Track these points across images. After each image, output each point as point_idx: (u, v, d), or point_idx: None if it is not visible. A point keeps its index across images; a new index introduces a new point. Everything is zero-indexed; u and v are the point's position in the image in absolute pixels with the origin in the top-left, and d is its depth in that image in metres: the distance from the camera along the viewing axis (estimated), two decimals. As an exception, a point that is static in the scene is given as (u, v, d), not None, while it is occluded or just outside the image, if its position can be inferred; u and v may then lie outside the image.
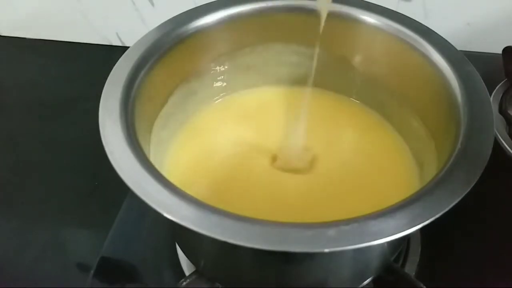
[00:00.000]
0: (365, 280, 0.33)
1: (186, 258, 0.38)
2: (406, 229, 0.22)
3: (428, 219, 0.22)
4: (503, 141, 0.43)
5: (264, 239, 0.22)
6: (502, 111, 0.46)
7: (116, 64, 0.31)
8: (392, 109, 0.38)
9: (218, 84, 0.40)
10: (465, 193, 0.23)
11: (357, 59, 0.39)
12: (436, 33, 0.34)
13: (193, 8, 0.36)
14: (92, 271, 0.38)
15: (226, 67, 0.39)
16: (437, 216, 0.23)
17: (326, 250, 0.22)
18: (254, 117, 0.40)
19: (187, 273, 0.37)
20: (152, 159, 0.29)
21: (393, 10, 0.36)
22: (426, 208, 0.23)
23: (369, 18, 0.36)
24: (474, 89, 0.30)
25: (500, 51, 0.48)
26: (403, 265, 0.37)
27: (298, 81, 0.42)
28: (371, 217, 0.23)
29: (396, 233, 0.22)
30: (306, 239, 0.22)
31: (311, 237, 0.22)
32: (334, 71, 0.40)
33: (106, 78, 0.30)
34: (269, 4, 0.37)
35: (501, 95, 0.47)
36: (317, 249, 0.22)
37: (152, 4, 0.56)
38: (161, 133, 0.35)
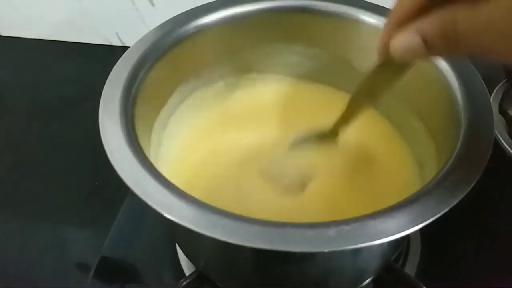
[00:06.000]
0: (365, 280, 0.33)
1: (186, 258, 0.38)
2: (406, 229, 0.22)
3: (428, 219, 0.22)
4: (503, 141, 0.43)
5: (264, 239, 0.22)
6: (502, 111, 0.46)
7: (116, 64, 0.31)
8: (392, 108, 0.38)
9: (218, 84, 0.40)
10: (465, 193, 0.23)
11: (356, 59, 0.39)
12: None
13: (193, 8, 0.36)
14: (92, 271, 0.38)
15: (226, 67, 0.39)
16: (437, 216, 0.23)
17: (326, 250, 0.22)
18: (254, 117, 0.40)
19: (187, 273, 0.37)
20: (152, 159, 0.29)
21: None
22: (426, 208, 0.23)
23: (369, 18, 0.36)
24: (474, 89, 0.30)
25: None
26: (403, 265, 0.37)
27: (299, 81, 0.42)
28: (371, 217, 0.23)
29: (396, 233, 0.22)
30: (306, 239, 0.22)
31: (311, 237, 0.22)
32: (334, 71, 0.40)
33: (106, 78, 0.30)
34: (269, 4, 0.37)
35: (501, 95, 0.47)
36: (317, 249, 0.22)
37: (152, 4, 0.56)
38: (161, 133, 0.35)
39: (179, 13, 0.36)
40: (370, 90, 0.28)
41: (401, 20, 0.21)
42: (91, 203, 0.45)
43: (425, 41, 0.19)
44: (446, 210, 0.23)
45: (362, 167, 0.36)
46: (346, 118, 0.31)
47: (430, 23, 0.19)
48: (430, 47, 0.19)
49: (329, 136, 0.33)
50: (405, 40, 0.20)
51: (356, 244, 0.22)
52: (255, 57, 0.40)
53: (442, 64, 0.32)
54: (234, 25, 0.37)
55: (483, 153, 0.26)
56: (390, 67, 0.26)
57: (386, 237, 0.22)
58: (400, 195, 0.25)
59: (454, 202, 0.23)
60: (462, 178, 0.24)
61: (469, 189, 0.24)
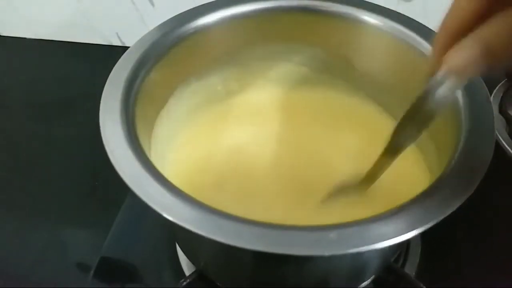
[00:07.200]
0: (365, 280, 0.33)
1: (186, 258, 0.38)
2: (407, 233, 0.22)
3: (428, 224, 0.22)
4: (503, 141, 0.43)
5: (265, 242, 0.22)
6: (502, 111, 0.46)
7: (117, 64, 0.31)
8: (392, 109, 0.38)
9: (218, 84, 0.40)
10: (467, 196, 0.23)
11: (357, 59, 0.39)
12: (436, 33, 0.34)
13: (193, 8, 0.36)
14: (92, 271, 0.38)
15: (226, 67, 0.39)
16: (438, 220, 0.22)
17: (327, 254, 0.22)
18: (255, 118, 0.40)
19: (187, 273, 0.37)
20: (153, 159, 0.29)
21: (393, 10, 0.36)
22: (427, 212, 0.23)
23: (369, 18, 0.36)
24: (474, 90, 0.30)
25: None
26: (403, 265, 0.37)
27: (300, 81, 0.42)
28: (372, 221, 0.23)
29: (397, 237, 0.22)
30: (307, 242, 0.22)
31: (312, 240, 0.22)
32: (334, 71, 0.40)
33: (106, 78, 0.30)
34: (269, 4, 0.37)
35: (501, 95, 0.47)
36: (318, 252, 0.22)
37: (152, 4, 0.56)
38: (161, 133, 0.35)
39: (179, 13, 0.36)
40: (398, 141, 0.26)
41: (454, 34, 0.19)
42: (91, 203, 0.45)
43: (489, 50, 0.17)
44: (447, 214, 0.23)
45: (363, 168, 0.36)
46: (376, 172, 0.29)
47: (493, 29, 0.17)
48: (495, 56, 0.17)
49: (359, 188, 0.31)
50: (467, 51, 0.18)
51: (357, 247, 0.22)
52: (255, 57, 0.40)
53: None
54: (234, 25, 0.37)
55: (484, 157, 0.26)
56: (421, 112, 0.23)
57: (387, 240, 0.22)
58: (401, 198, 0.24)
59: (455, 206, 0.23)
60: (463, 181, 0.24)
61: (471, 192, 0.23)
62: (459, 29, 0.18)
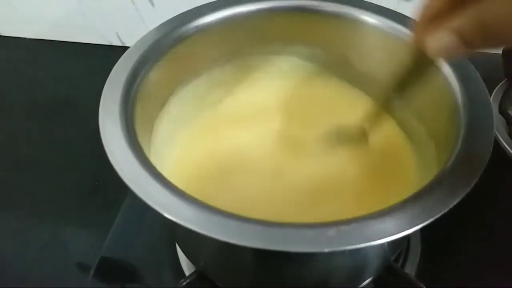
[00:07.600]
0: (365, 280, 0.33)
1: (186, 258, 0.38)
2: (406, 229, 0.22)
3: (427, 220, 0.22)
4: (503, 141, 0.43)
5: (264, 239, 0.22)
6: (502, 111, 0.46)
7: (116, 64, 0.31)
8: (392, 109, 0.38)
9: (218, 84, 0.40)
10: (465, 193, 0.23)
11: (357, 59, 0.39)
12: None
13: (193, 8, 0.36)
14: (92, 271, 0.38)
15: (226, 67, 0.39)
16: (436, 216, 0.23)
17: (326, 250, 0.22)
18: (254, 117, 0.40)
19: (187, 273, 0.37)
20: (152, 159, 0.29)
21: (393, 10, 0.36)
22: (426, 209, 0.23)
23: (369, 18, 0.36)
24: (474, 89, 0.30)
25: (500, 51, 0.48)
26: (403, 265, 0.37)
27: (299, 81, 0.42)
28: (371, 217, 0.23)
29: (396, 233, 0.22)
30: (306, 239, 0.22)
31: (311, 237, 0.22)
32: (334, 71, 0.40)
33: (106, 78, 0.30)
34: (269, 4, 0.37)
35: (501, 95, 0.47)
36: (317, 249, 0.22)
37: (152, 4, 0.56)
38: (161, 133, 0.35)
39: (179, 13, 0.36)
40: (400, 83, 0.29)
41: (433, 16, 0.21)
42: (91, 203, 0.45)
43: (462, 38, 0.20)
44: (446, 210, 0.23)
45: (363, 166, 0.36)
46: (376, 114, 0.32)
47: (465, 21, 0.20)
48: (467, 44, 0.20)
49: (359, 136, 0.34)
50: (442, 40, 0.21)
51: (356, 244, 0.22)
52: (255, 57, 0.40)
53: (443, 65, 0.32)
54: (234, 25, 0.37)
55: (483, 153, 0.26)
56: (421, 60, 0.26)
57: (386, 237, 0.22)
58: (400, 195, 0.25)
59: (454, 202, 0.23)
60: (462, 178, 0.24)
61: (469, 189, 0.24)
62: (437, 14, 0.21)
